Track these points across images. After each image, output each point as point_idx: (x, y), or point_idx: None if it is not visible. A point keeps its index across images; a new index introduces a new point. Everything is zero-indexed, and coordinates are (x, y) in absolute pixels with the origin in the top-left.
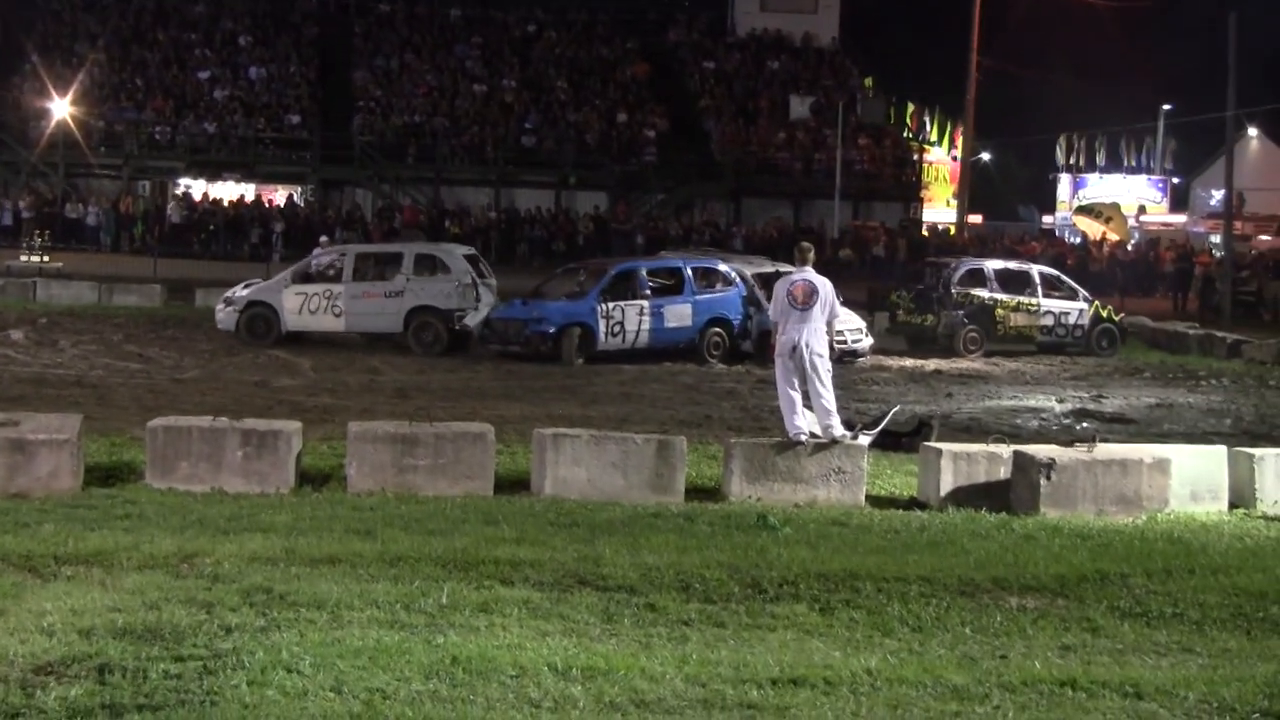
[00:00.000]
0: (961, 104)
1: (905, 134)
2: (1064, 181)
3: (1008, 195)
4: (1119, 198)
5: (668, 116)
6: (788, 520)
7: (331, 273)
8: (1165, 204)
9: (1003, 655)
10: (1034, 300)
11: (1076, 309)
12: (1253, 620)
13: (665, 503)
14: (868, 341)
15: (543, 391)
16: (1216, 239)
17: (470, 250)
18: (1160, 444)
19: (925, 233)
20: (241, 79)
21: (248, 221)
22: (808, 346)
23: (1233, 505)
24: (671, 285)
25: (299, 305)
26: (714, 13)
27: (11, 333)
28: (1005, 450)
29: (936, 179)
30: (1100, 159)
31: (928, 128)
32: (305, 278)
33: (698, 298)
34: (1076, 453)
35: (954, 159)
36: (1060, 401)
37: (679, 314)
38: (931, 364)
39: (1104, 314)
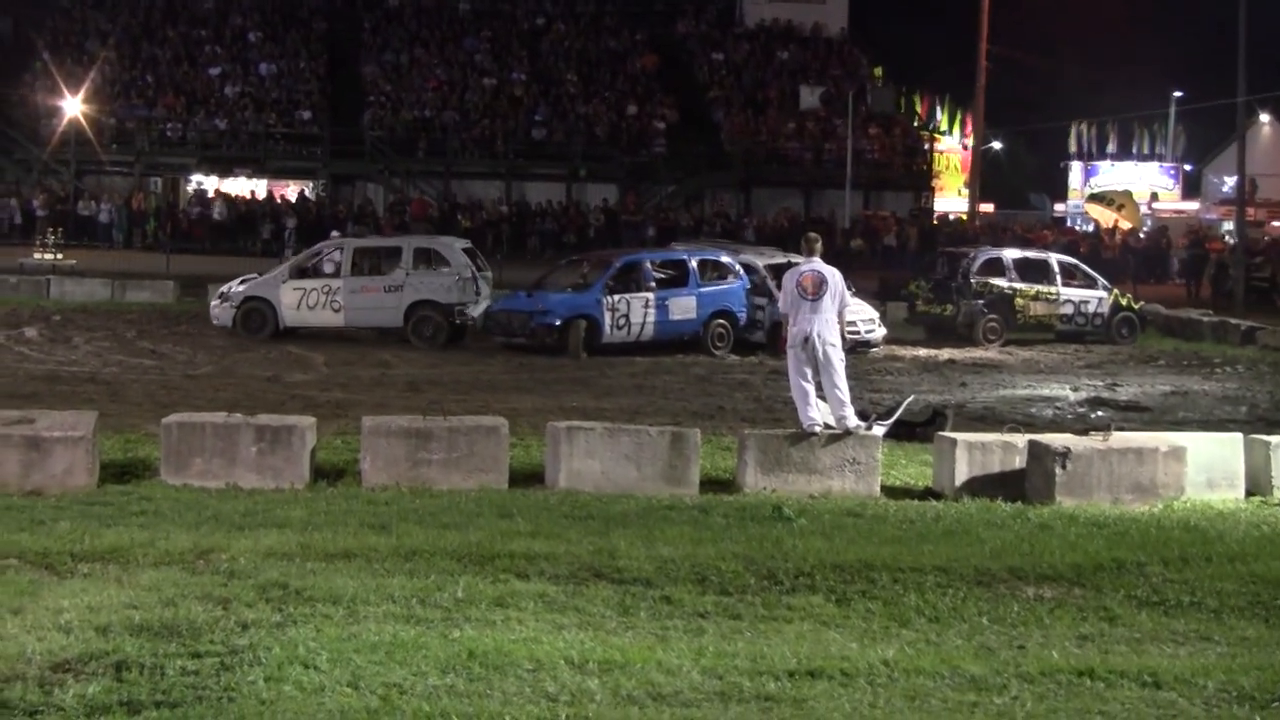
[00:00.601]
0: (971, 92)
1: (915, 123)
2: (1075, 169)
3: (1019, 183)
4: (1131, 185)
5: (677, 108)
6: (802, 511)
7: (329, 268)
8: (1177, 191)
9: (1020, 645)
10: (1053, 289)
11: (1096, 297)
12: (1270, 608)
13: (679, 495)
14: (880, 331)
15: (555, 384)
16: (1229, 225)
17: (468, 243)
18: (1176, 432)
19: (936, 222)
20: (252, 75)
21: (259, 217)
22: (820, 337)
23: (1249, 493)
24: (676, 277)
25: (297, 300)
26: (722, 3)
27: (26, 330)
28: (1020, 439)
29: (947, 168)
30: (1112, 146)
31: (938, 116)
32: (303, 273)
33: (702, 290)
34: (1092, 441)
35: (965, 147)
36: (1075, 390)
37: (683, 306)
38: (945, 353)
39: (1123, 302)
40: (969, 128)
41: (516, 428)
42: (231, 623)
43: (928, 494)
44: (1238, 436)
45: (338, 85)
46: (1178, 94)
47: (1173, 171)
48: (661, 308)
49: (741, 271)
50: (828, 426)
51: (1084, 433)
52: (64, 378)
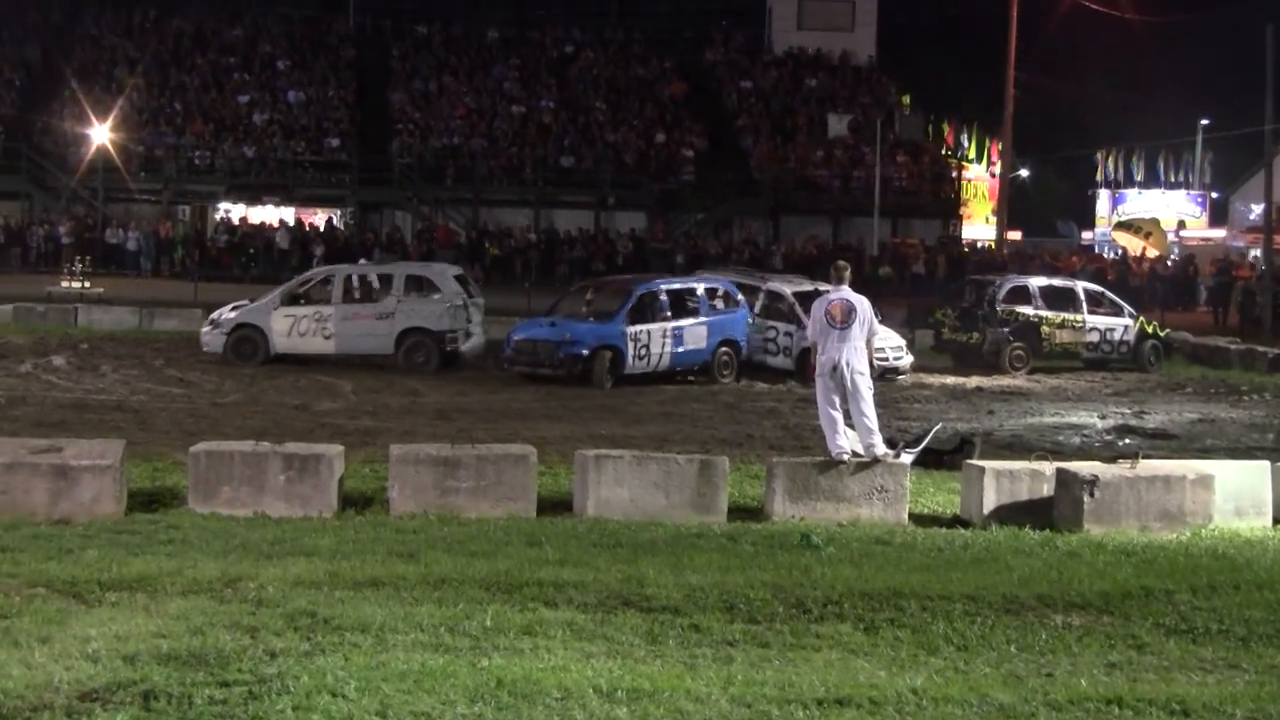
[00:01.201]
0: (999, 120)
1: (943, 150)
2: (1103, 197)
3: (1047, 211)
4: (1158, 213)
5: (706, 135)
6: (831, 539)
7: (320, 294)
8: (1204, 218)
9: (1048, 673)
10: (1079, 316)
11: (1122, 325)
12: None
13: (708, 522)
14: (908, 359)
15: (583, 411)
16: (1256, 252)
17: (459, 270)
18: (1203, 459)
19: (964, 249)
20: (280, 102)
21: (287, 245)
22: (848, 365)
23: (1277, 520)
24: (688, 306)
25: (288, 327)
26: (751, 31)
27: (53, 358)
28: (1048, 467)
29: (975, 195)
30: (1139, 174)
31: (965, 144)
32: (294, 300)
33: (711, 319)
34: (1120, 469)
35: (992, 175)
36: (1102, 418)
37: (696, 335)
38: (973, 381)
39: (1149, 329)
40: (996, 155)
41: (545, 456)
42: (259, 651)
43: (956, 522)
44: (1265, 464)
45: (366, 113)
46: (1205, 121)
47: (1200, 199)
48: (677, 337)
49: (743, 299)
50: (856, 454)
51: (1112, 460)
52: (92, 406)
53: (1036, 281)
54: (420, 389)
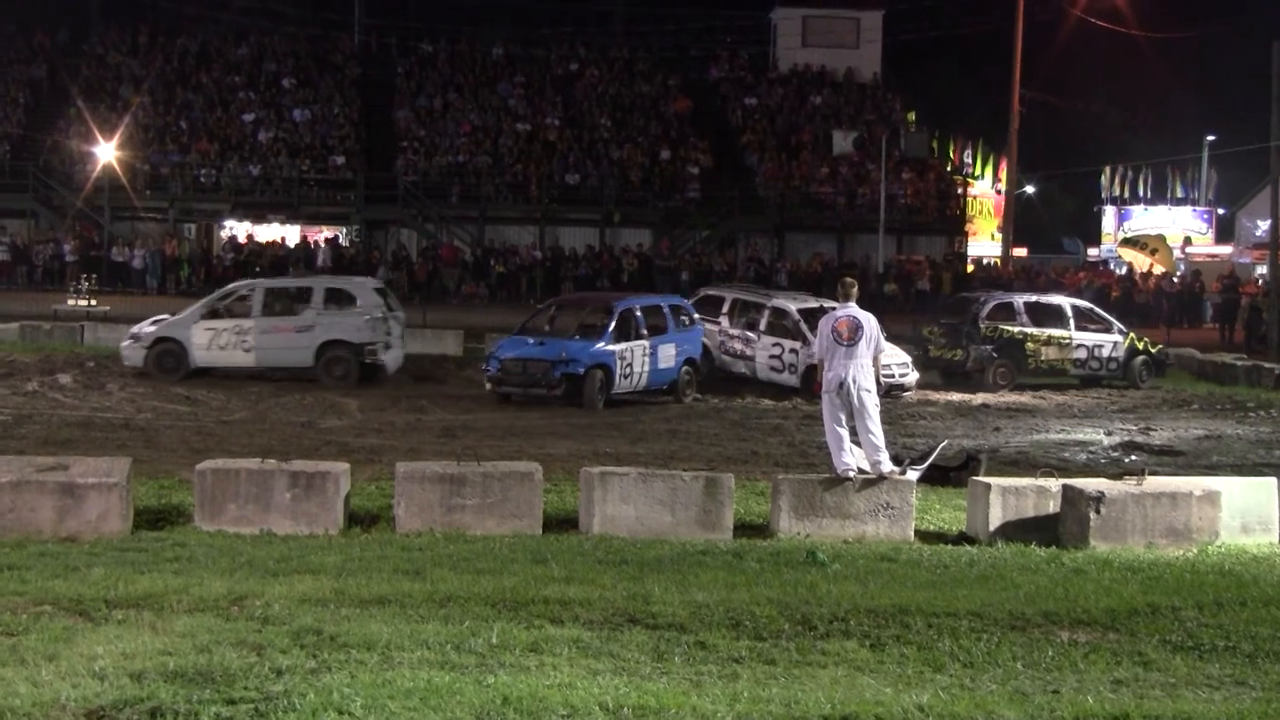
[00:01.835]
0: (1004, 136)
1: (948, 167)
2: (1109, 213)
3: (1052, 228)
4: (1164, 229)
5: (710, 152)
6: (837, 556)
7: (241, 308)
8: (1211, 235)
9: (1055, 690)
10: (1066, 333)
11: (1110, 341)
12: None
13: (714, 540)
14: (914, 376)
15: (590, 429)
16: (1262, 269)
17: (380, 283)
18: (1209, 476)
19: (970, 266)
20: (285, 121)
21: (293, 263)
22: (855, 382)
23: None
24: (657, 324)
25: (208, 340)
26: (756, 48)
27: (60, 376)
28: (1054, 484)
29: (981, 212)
30: (1145, 190)
31: (970, 161)
32: (214, 313)
33: (679, 335)
34: (1126, 485)
35: (998, 192)
36: (1108, 434)
37: (668, 354)
38: (979, 398)
39: (1140, 345)
40: (1002, 172)
41: (551, 473)
42: (266, 669)
43: (962, 539)
44: (1272, 481)
45: (371, 130)
46: (1211, 137)
47: (1206, 215)
48: (654, 355)
49: (698, 316)
50: (862, 471)
51: (1118, 477)
52: (98, 424)
53: (1022, 298)
54: (426, 406)
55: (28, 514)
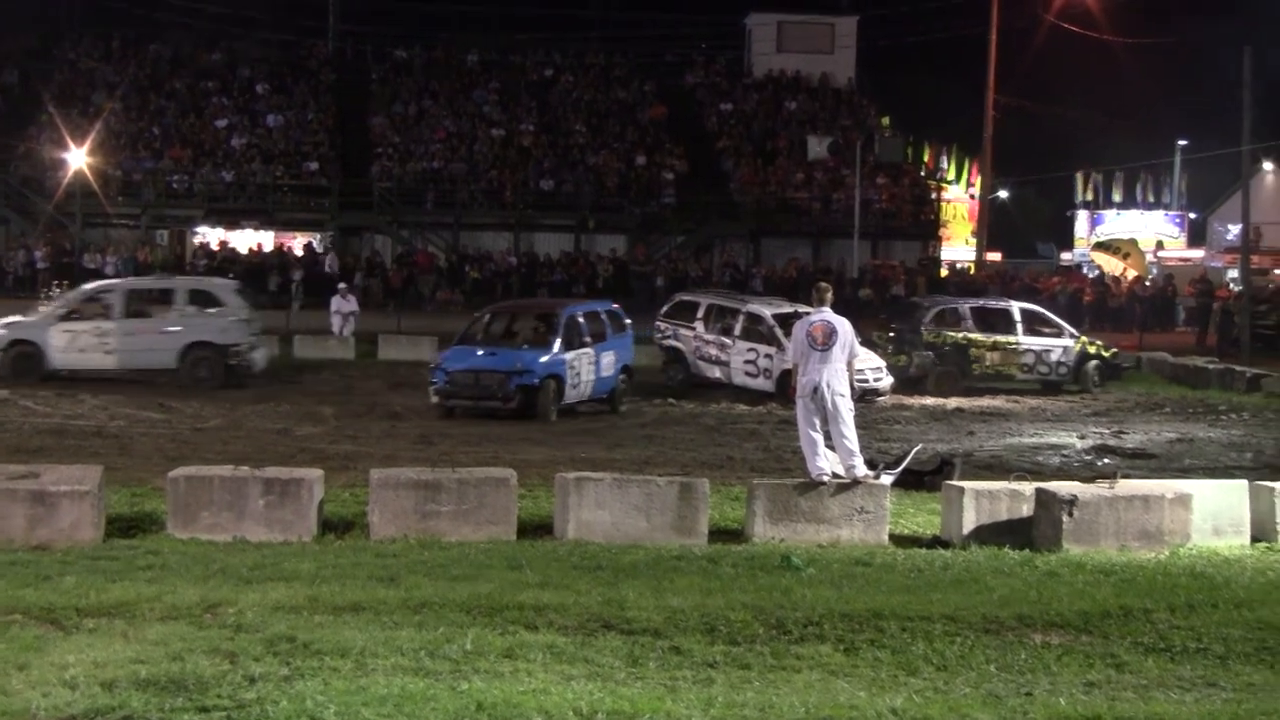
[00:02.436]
0: (979, 142)
1: (923, 172)
2: (1082, 218)
3: (1026, 232)
4: (1136, 233)
5: (686, 158)
6: (811, 560)
7: (101, 310)
8: (1183, 239)
9: (1028, 692)
10: (1012, 338)
11: (1060, 345)
12: (1277, 654)
13: (689, 545)
14: (888, 380)
15: (565, 435)
16: (1234, 273)
17: (240, 284)
18: (1182, 479)
19: (945, 271)
20: (259, 127)
21: (267, 269)
22: (829, 387)
23: (1254, 539)
24: (596, 331)
25: (67, 343)
26: (731, 54)
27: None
28: (1027, 487)
29: (955, 217)
30: (1117, 195)
31: (945, 166)
32: (73, 315)
33: (616, 342)
34: (1099, 489)
35: (972, 197)
36: (1081, 438)
37: (608, 361)
38: (953, 402)
39: (1091, 349)
40: (976, 177)
41: (526, 479)
42: (239, 676)
43: (936, 542)
44: (1243, 483)
45: (346, 137)
46: (1182, 142)
47: (1178, 219)
48: (598, 364)
49: (628, 322)
50: (836, 476)
51: (1091, 480)
52: (71, 432)
53: (968, 303)
54: (402, 413)
55: None
